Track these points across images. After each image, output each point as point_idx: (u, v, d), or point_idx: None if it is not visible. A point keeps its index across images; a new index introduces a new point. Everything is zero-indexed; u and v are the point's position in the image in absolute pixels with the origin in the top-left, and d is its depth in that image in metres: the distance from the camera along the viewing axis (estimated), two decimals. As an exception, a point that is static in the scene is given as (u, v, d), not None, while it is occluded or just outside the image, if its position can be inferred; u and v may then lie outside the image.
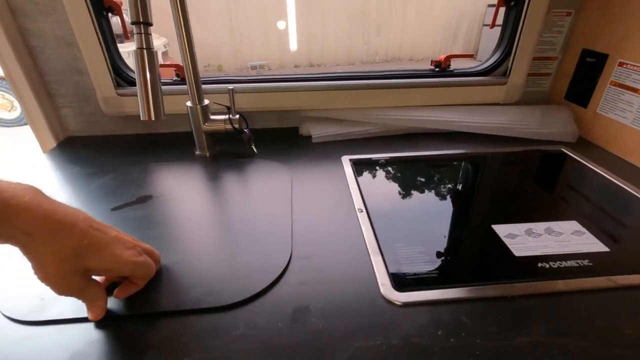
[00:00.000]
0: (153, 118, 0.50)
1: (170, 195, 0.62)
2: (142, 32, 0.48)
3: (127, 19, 0.52)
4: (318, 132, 0.83)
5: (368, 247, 0.50)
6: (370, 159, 0.75)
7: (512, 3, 0.82)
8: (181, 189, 0.64)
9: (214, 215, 0.57)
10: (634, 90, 0.69)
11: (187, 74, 0.70)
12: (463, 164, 0.74)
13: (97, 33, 0.74)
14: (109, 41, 0.79)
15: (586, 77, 0.80)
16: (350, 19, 6.78)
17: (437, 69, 0.89)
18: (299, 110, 0.87)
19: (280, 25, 6.64)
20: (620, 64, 0.72)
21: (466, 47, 7.02)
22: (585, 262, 0.47)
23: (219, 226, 0.55)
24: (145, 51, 0.48)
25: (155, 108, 0.50)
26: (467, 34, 6.97)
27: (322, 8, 6.60)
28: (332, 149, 0.80)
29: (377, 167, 0.72)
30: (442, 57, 0.89)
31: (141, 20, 0.47)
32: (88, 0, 0.72)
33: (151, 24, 0.48)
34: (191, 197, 0.62)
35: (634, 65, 0.69)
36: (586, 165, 0.71)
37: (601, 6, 0.76)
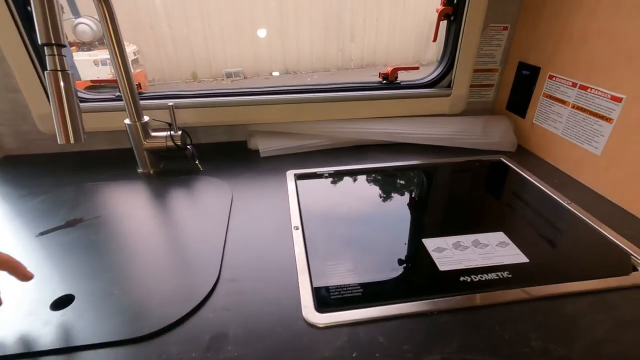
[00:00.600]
0: (72, 141, 0.49)
1: (102, 218, 0.60)
2: (55, 53, 0.46)
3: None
4: (266, 146, 0.83)
5: (297, 267, 0.50)
6: (315, 172, 0.75)
7: (452, 18, 0.84)
8: (115, 211, 0.62)
9: (145, 238, 0.56)
10: (563, 102, 0.72)
11: (123, 91, 0.68)
12: (404, 176, 0.76)
13: (26, 47, 0.72)
14: (41, 55, 0.76)
15: (523, 88, 0.83)
16: (325, 26, 6.85)
17: (384, 82, 0.91)
18: (247, 124, 0.86)
19: (261, 33, 6.64)
20: (550, 77, 0.75)
21: (438, 52, 7.21)
22: (505, 274, 0.48)
23: (149, 250, 0.53)
24: (59, 73, 0.47)
25: (74, 130, 0.49)
26: (439, 39, 7.16)
27: (296, 16, 6.64)
28: (279, 163, 0.80)
29: (321, 182, 0.72)
30: (389, 69, 0.91)
31: (53, 41, 0.45)
32: (14, 11, 0.69)
33: (64, 46, 0.47)
34: (123, 218, 0.60)
35: (561, 78, 0.72)
36: (521, 175, 0.73)
37: (532, 22, 0.79)
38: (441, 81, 0.89)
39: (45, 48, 0.46)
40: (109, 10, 0.61)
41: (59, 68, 0.47)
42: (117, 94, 0.84)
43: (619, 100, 0.60)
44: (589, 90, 0.66)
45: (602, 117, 0.64)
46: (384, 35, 7.18)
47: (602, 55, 0.63)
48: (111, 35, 0.63)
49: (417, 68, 0.91)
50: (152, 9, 5.97)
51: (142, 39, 5.94)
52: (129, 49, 4.73)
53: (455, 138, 0.84)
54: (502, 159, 0.80)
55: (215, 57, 6.70)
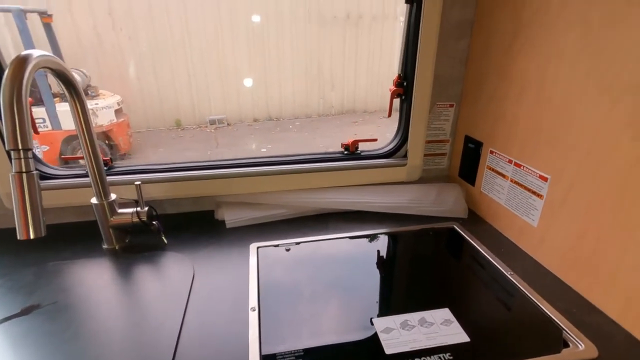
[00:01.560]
0: (32, 236, 0.51)
1: (59, 303, 0.60)
2: (22, 157, 0.50)
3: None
4: (232, 217, 0.86)
5: (250, 353, 0.51)
6: (278, 245, 0.78)
7: (403, 97, 0.93)
8: (74, 294, 0.63)
9: (102, 324, 0.56)
10: (503, 175, 0.80)
11: (91, 171, 0.71)
12: (361, 247, 0.79)
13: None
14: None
15: (471, 159, 0.91)
16: (306, 75, 7.21)
17: (346, 152, 0.98)
18: (214, 196, 0.90)
19: (247, 82, 6.91)
20: (491, 152, 0.83)
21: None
22: (447, 355, 0.50)
23: (104, 337, 0.54)
24: (24, 175, 0.50)
25: (35, 227, 0.51)
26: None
27: (279, 66, 6.98)
28: (244, 234, 0.82)
29: (282, 254, 0.75)
30: (350, 140, 0.98)
31: (20, 147, 0.49)
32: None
33: (31, 149, 0.50)
34: (82, 303, 0.61)
35: (500, 154, 0.80)
36: (470, 243, 0.78)
37: (473, 102, 0.88)
38: (398, 151, 0.96)
39: (12, 152, 0.49)
40: (81, 105, 0.65)
41: (24, 170, 0.50)
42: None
43: (545, 179, 0.68)
44: (522, 167, 0.74)
45: (534, 193, 0.71)
46: (362, 83, 7.60)
47: (529, 137, 0.71)
48: (80, 119, 0.67)
49: (375, 140, 0.99)
50: (139, 62, 6.20)
51: (127, 90, 6.10)
52: (113, 100, 4.82)
53: (411, 206, 0.90)
54: (454, 226, 0.85)
55: (199, 105, 6.88)
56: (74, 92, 0.65)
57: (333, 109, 7.67)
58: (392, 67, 7.49)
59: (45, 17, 3.99)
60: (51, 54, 0.56)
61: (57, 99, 4.62)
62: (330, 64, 7.26)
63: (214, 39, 6.49)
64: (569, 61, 0.61)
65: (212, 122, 7.09)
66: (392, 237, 0.82)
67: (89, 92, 4.75)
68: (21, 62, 0.50)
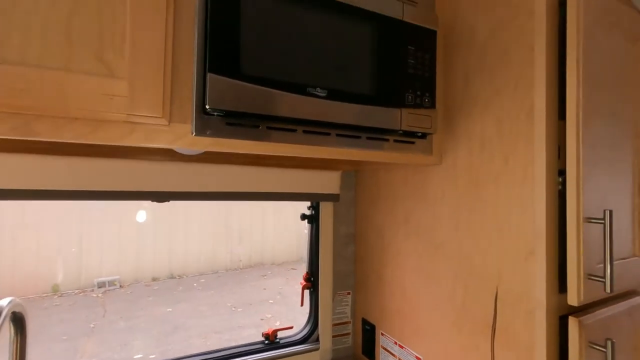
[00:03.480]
0: None
1: None
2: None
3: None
4: None
5: None
6: None
7: (311, 290, 1.17)
8: None
9: None
10: (393, 354, 1.01)
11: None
12: None
13: None
14: None
15: (368, 339, 1.13)
16: (213, 232, 7.31)
17: (266, 342, 1.10)
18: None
19: (140, 217, 6.58)
20: (382, 334, 1.07)
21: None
22: None
23: None
24: None
25: None
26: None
27: (185, 225, 7.01)
28: None
29: None
30: (269, 330, 1.12)
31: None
32: None
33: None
34: None
35: (388, 336, 1.04)
36: None
37: (364, 290, 1.16)
38: (311, 336, 1.13)
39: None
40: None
41: None
42: None
43: (419, 359, 0.91)
44: (404, 348, 0.97)
45: (416, 371, 0.92)
46: (270, 236, 7.98)
47: (405, 322, 0.97)
48: None
49: (291, 327, 1.15)
50: (19, 218, 5.60)
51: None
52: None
53: (327, 391, 1.02)
54: (364, 406, 0.98)
55: (87, 265, 6.17)
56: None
57: (241, 262, 7.65)
58: (298, 222, 8.20)
59: None
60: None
61: None
62: (238, 219, 7.63)
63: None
64: (415, 273, 0.94)
65: (101, 285, 6.27)
66: None
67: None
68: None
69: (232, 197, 0.99)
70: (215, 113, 0.60)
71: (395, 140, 0.79)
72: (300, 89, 0.66)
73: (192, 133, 0.59)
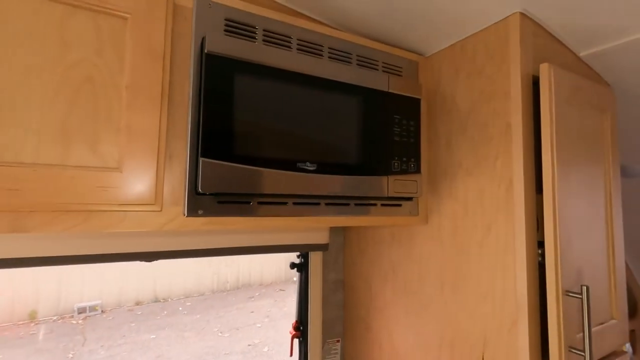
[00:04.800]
0: None
1: None
2: None
3: None
4: None
5: None
6: None
7: (301, 339, 1.16)
8: None
9: None
10: (383, 408, 1.01)
11: None
12: None
13: None
14: None
15: (358, 389, 1.12)
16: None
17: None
18: None
19: None
20: (372, 386, 1.07)
21: (306, 270, 8.11)
22: None
23: None
24: None
25: None
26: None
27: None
28: None
29: None
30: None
31: None
32: None
33: None
34: None
35: (378, 389, 1.04)
36: None
37: (352, 338, 1.16)
38: (300, 388, 1.12)
39: None
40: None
41: None
42: None
43: (409, 418, 0.91)
44: (393, 404, 0.97)
45: None
46: (257, 256, 7.88)
47: (393, 379, 0.98)
48: None
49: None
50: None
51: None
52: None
53: None
54: None
55: (67, 290, 5.95)
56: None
57: (228, 284, 7.51)
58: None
59: None
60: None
61: None
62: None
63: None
64: (403, 329, 0.95)
65: (82, 310, 6.04)
66: None
67: None
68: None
69: (223, 253, 0.99)
70: (208, 193, 0.61)
71: (383, 204, 0.82)
72: (291, 165, 0.68)
73: (184, 214, 0.60)
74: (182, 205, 0.60)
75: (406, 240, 0.95)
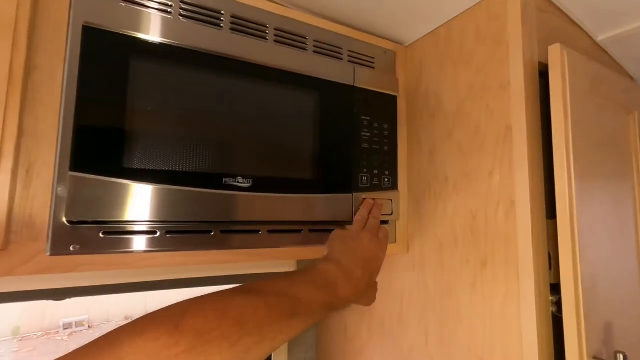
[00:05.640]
0: None
1: None
2: None
3: None
4: None
5: None
6: None
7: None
8: None
9: None
10: None
11: None
12: None
13: None
14: None
15: None
16: (191, 266, 6.95)
17: None
18: None
19: None
20: None
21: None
22: None
23: None
24: None
25: None
26: None
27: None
28: None
29: None
30: None
31: None
32: None
33: None
34: None
35: None
36: None
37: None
38: None
39: None
40: None
41: None
42: None
43: None
44: None
45: None
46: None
47: None
48: None
49: None
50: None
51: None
52: None
53: None
54: None
55: (55, 305, 5.73)
56: None
57: (221, 297, 7.27)
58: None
59: None
60: None
61: None
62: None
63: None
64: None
65: (67, 326, 5.79)
66: None
67: None
68: None
69: (164, 287, 0.82)
70: (79, 222, 0.43)
71: (348, 230, 0.64)
72: (214, 182, 0.50)
73: (47, 252, 0.42)
74: (46, 240, 0.42)
75: (385, 272, 0.77)
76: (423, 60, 0.71)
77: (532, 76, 0.53)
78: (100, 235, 0.45)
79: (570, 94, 0.50)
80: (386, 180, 0.65)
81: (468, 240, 0.59)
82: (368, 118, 0.64)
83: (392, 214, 0.65)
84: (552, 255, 0.52)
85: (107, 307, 6.21)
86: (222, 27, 0.54)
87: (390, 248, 0.68)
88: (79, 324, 5.91)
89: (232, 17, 0.55)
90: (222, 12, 0.55)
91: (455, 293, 0.60)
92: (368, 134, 0.64)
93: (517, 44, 0.53)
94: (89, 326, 5.96)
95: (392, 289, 0.74)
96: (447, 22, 0.66)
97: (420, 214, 0.68)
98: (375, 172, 0.64)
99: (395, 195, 0.66)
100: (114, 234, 0.46)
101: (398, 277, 0.73)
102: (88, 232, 0.44)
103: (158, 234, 0.48)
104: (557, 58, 0.51)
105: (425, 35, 0.70)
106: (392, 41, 0.74)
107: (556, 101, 0.50)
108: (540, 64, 0.54)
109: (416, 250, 0.69)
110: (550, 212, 0.52)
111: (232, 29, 0.55)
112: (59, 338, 5.53)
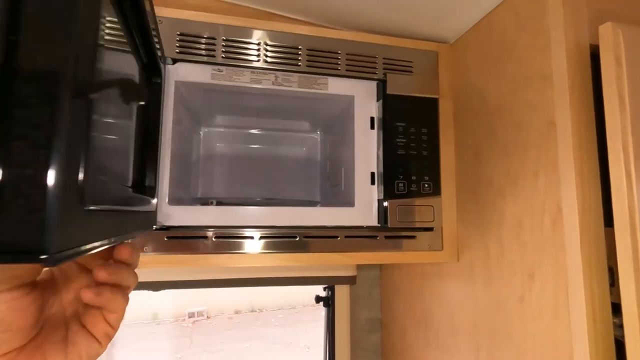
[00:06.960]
0: None
1: None
2: None
3: None
4: None
5: None
6: None
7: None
8: None
9: None
10: None
11: None
12: None
13: None
14: None
15: None
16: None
17: None
18: None
19: None
20: None
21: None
22: None
23: None
24: None
25: None
26: None
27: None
28: None
29: None
30: None
31: None
32: None
33: None
34: None
35: None
36: None
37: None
38: None
39: None
40: None
41: None
42: None
43: None
44: None
45: None
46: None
47: None
48: None
49: None
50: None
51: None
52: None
53: None
54: None
55: (177, 297, 6.76)
56: None
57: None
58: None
59: None
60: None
61: None
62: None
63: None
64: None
65: (191, 315, 6.79)
66: None
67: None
68: None
69: (238, 284, 0.94)
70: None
71: (387, 237, 0.64)
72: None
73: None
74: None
75: (437, 280, 0.74)
76: (467, 56, 0.67)
77: (578, 63, 0.46)
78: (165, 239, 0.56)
79: (628, 79, 0.42)
80: (426, 186, 0.63)
81: (514, 251, 0.53)
82: (403, 124, 0.64)
83: (433, 220, 0.63)
84: (613, 269, 0.44)
85: (222, 301, 7.05)
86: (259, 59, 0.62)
87: (437, 256, 0.66)
88: (200, 314, 6.86)
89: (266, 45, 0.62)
90: (259, 43, 0.62)
91: (503, 308, 0.55)
92: (404, 140, 0.63)
93: (558, 26, 0.47)
94: (207, 317, 6.88)
95: (444, 301, 0.71)
96: (488, 14, 0.61)
97: (467, 219, 0.64)
98: (414, 177, 0.63)
99: (437, 202, 0.63)
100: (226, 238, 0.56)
101: (449, 289, 0.69)
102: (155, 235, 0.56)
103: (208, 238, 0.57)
104: (608, 38, 0.43)
105: (467, 31, 0.67)
106: (435, 41, 0.71)
107: (609, 88, 0.43)
108: (591, 46, 0.47)
109: (466, 259, 0.65)
110: (608, 218, 0.44)
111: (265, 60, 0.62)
112: (185, 325, 6.52)
